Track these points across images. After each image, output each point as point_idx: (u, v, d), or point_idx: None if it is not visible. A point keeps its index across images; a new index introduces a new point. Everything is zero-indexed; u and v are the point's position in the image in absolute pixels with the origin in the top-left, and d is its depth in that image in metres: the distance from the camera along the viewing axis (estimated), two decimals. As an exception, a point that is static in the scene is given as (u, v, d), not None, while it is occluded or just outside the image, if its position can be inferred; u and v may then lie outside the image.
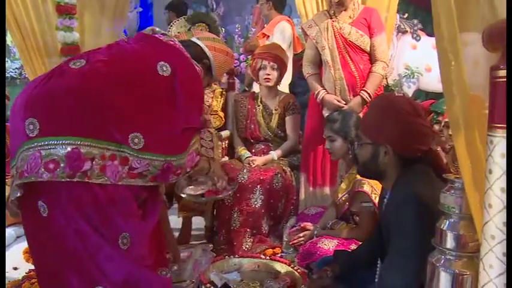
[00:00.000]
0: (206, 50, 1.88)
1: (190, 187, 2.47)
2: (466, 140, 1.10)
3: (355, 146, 1.70)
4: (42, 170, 1.43)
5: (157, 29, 1.84)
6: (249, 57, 5.09)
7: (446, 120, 2.57)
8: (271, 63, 3.11)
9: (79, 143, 1.46)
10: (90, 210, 1.49)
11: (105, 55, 1.65)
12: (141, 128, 1.55)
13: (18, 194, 1.49)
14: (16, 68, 5.78)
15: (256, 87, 3.62)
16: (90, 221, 1.49)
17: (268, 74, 3.11)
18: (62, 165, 1.44)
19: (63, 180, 1.45)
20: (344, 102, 2.86)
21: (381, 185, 1.81)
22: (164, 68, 1.63)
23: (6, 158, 2.18)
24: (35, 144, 1.45)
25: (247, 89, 3.31)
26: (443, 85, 1.14)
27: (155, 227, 1.72)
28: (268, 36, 4.16)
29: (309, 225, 2.52)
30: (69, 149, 1.45)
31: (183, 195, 2.48)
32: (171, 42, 1.75)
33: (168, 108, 1.62)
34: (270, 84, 3.14)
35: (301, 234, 2.48)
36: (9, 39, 5.02)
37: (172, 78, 1.64)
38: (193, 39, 1.91)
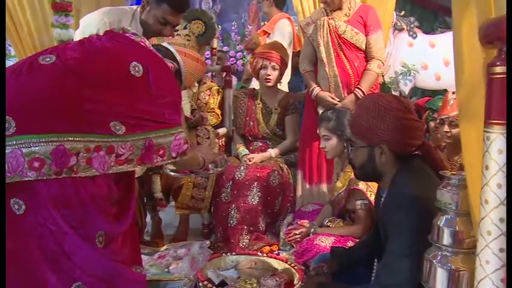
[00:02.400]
0: (176, 54, 1.86)
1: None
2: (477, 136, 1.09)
3: (349, 150, 1.69)
4: (27, 168, 1.42)
5: (128, 28, 1.85)
6: (248, 55, 5.09)
7: (442, 117, 2.58)
8: (272, 63, 3.10)
9: (63, 139, 1.46)
10: (70, 208, 1.49)
11: (77, 52, 1.64)
12: (118, 117, 1.56)
13: None
14: (11, 66, 5.76)
15: (255, 84, 3.62)
16: (69, 220, 1.49)
17: (269, 75, 3.11)
18: (48, 162, 1.43)
19: (50, 177, 1.44)
20: (338, 100, 2.86)
21: (376, 184, 1.82)
22: (137, 69, 1.63)
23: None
24: (14, 142, 1.43)
25: (244, 85, 3.30)
26: (459, 75, 1.13)
27: (130, 226, 1.73)
28: (269, 33, 4.14)
29: (305, 222, 2.53)
30: (53, 146, 1.44)
31: (166, 171, 2.45)
32: (142, 43, 1.76)
33: (142, 105, 1.63)
34: (271, 84, 3.14)
35: (297, 232, 2.49)
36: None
37: (145, 78, 1.65)
38: (164, 43, 1.91)
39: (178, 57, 1.86)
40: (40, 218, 1.47)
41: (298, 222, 2.57)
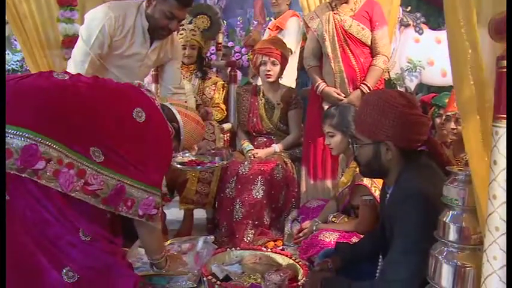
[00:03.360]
0: (177, 113, 1.91)
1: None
2: (482, 131, 1.08)
3: (354, 148, 1.68)
4: None
5: (143, 83, 1.91)
6: (249, 52, 5.08)
7: (448, 113, 2.57)
8: (272, 59, 3.10)
9: (39, 140, 1.47)
10: (48, 204, 1.52)
11: (90, 80, 1.72)
12: (102, 145, 1.58)
13: None
14: (17, 61, 5.79)
15: (260, 80, 3.61)
16: (48, 210, 1.52)
17: (269, 70, 3.10)
18: (15, 156, 1.44)
19: (10, 171, 1.45)
20: (343, 95, 2.85)
21: (381, 179, 1.81)
22: (140, 115, 1.68)
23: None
24: None
25: (251, 81, 3.30)
26: (455, 74, 1.12)
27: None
28: (282, 29, 4.13)
29: (306, 223, 2.52)
30: (27, 142, 1.45)
31: (173, 164, 2.43)
32: (152, 100, 1.81)
33: (133, 146, 1.66)
34: (271, 79, 3.13)
35: (301, 234, 2.48)
36: (9, 31, 5.01)
37: (145, 127, 1.69)
38: (167, 103, 1.94)
39: (178, 117, 1.91)
40: (22, 205, 1.50)
41: (302, 225, 2.56)
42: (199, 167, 2.45)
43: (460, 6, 1.07)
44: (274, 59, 3.10)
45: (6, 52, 5.33)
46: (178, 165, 2.43)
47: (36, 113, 1.50)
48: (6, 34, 5.42)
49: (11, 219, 1.50)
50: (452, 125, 2.48)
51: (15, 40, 4.86)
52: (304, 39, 3.98)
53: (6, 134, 1.45)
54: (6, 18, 2.75)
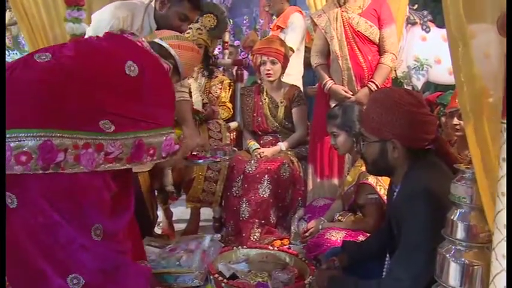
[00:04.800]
0: (170, 49, 1.88)
1: None
2: (475, 127, 1.09)
3: (361, 146, 1.68)
4: (14, 162, 1.44)
5: (126, 29, 1.88)
6: (247, 53, 5.06)
7: (451, 110, 2.55)
8: (271, 58, 3.09)
9: (51, 134, 1.47)
10: (62, 202, 1.52)
11: (72, 51, 1.66)
12: (108, 116, 1.58)
13: None
14: (25, 60, 5.79)
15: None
16: (61, 213, 1.51)
17: (269, 70, 3.10)
18: (34, 157, 1.45)
19: (37, 172, 1.46)
20: (351, 93, 2.84)
21: (388, 178, 1.80)
22: (132, 68, 1.65)
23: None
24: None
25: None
26: (454, 72, 1.13)
27: (130, 220, 1.75)
28: (283, 28, 4.09)
29: (312, 223, 2.52)
30: (41, 141, 1.46)
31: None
32: (139, 44, 1.77)
33: (135, 105, 1.66)
34: (272, 79, 3.14)
35: (307, 234, 2.48)
36: (17, 30, 5.05)
37: (140, 78, 1.67)
38: (157, 40, 1.91)
39: (173, 52, 1.87)
40: (32, 211, 1.50)
41: (308, 224, 2.56)
42: (201, 161, 2.45)
43: (450, 4, 1.09)
44: (273, 58, 3.09)
45: (14, 52, 5.34)
46: None
47: (39, 111, 1.50)
48: (14, 34, 5.46)
49: (17, 228, 1.51)
50: (456, 120, 2.47)
51: (23, 39, 4.88)
52: (311, 35, 3.97)
53: (18, 139, 1.45)
54: (14, 17, 2.77)
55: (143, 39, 1.82)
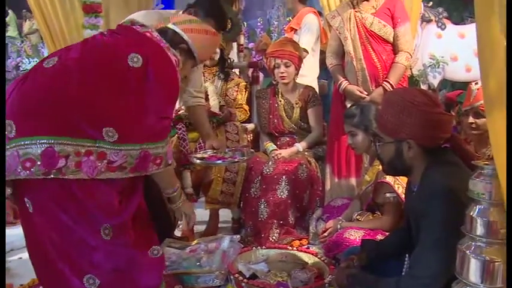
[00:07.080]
0: (182, 33, 1.82)
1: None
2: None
3: (376, 146, 1.68)
4: (20, 168, 1.49)
5: (137, 20, 1.84)
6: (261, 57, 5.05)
7: (466, 108, 2.52)
8: (284, 61, 3.10)
9: (53, 141, 1.50)
10: (69, 205, 1.55)
11: (78, 52, 1.67)
12: (113, 122, 1.57)
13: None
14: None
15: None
16: (70, 215, 1.55)
17: (283, 72, 3.11)
18: (38, 163, 1.49)
19: (39, 177, 1.50)
20: (366, 93, 2.84)
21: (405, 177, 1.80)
22: (135, 59, 1.62)
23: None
24: (13, 144, 1.51)
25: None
26: (483, 66, 1.10)
27: (138, 207, 1.73)
28: (296, 29, 4.06)
29: (330, 223, 2.52)
30: (43, 147, 1.49)
31: (192, 160, 2.48)
32: (148, 34, 1.74)
33: (138, 98, 1.63)
34: (286, 81, 3.14)
35: (326, 234, 2.49)
36: (37, 39, 5.16)
37: (144, 69, 1.63)
38: (169, 25, 1.85)
39: (185, 37, 1.82)
40: (45, 215, 1.56)
41: (325, 226, 2.56)
42: (219, 161, 2.45)
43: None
44: (287, 61, 3.10)
45: (34, 59, 5.46)
46: (198, 161, 2.44)
47: (43, 118, 1.53)
48: (34, 42, 5.59)
49: (38, 231, 1.58)
50: (471, 119, 2.44)
51: (43, 48, 4.99)
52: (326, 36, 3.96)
53: (25, 147, 1.50)
54: (34, 26, 2.83)
55: (153, 29, 1.78)
